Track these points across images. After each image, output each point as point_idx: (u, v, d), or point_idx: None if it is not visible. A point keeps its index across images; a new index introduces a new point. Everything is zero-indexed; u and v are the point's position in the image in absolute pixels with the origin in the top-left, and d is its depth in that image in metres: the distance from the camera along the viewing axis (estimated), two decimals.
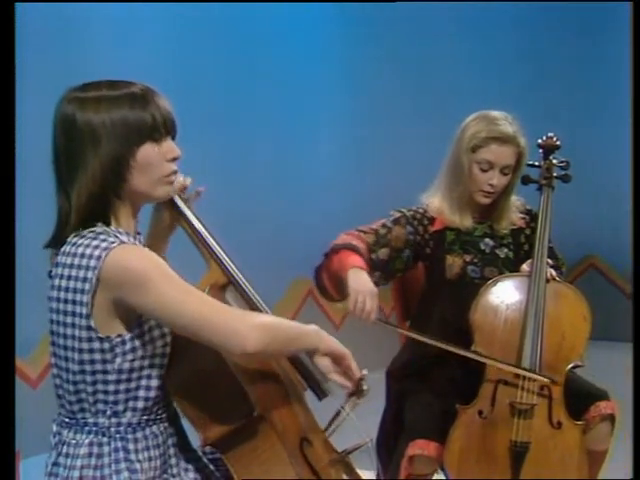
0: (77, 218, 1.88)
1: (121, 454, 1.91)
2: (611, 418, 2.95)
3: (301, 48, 5.62)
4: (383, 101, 5.94)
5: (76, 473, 1.90)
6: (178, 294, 1.84)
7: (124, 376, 1.90)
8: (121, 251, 1.84)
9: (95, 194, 1.88)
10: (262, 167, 5.39)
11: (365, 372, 2.11)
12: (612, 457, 3.05)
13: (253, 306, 2.17)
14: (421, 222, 3.07)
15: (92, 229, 1.89)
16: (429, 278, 3.11)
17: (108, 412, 1.91)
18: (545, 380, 2.84)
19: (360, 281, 2.84)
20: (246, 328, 1.88)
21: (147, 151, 1.90)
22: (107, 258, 1.82)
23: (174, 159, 1.95)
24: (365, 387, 2.11)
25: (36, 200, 3.76)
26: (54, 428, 1.97)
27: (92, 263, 1.83)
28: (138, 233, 2.01)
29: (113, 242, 1.85)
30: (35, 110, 4.01)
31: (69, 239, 1.89)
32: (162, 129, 1.92)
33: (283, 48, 5.49)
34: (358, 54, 5.92)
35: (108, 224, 1.91)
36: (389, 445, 3.05)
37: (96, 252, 1.84)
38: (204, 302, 1.89)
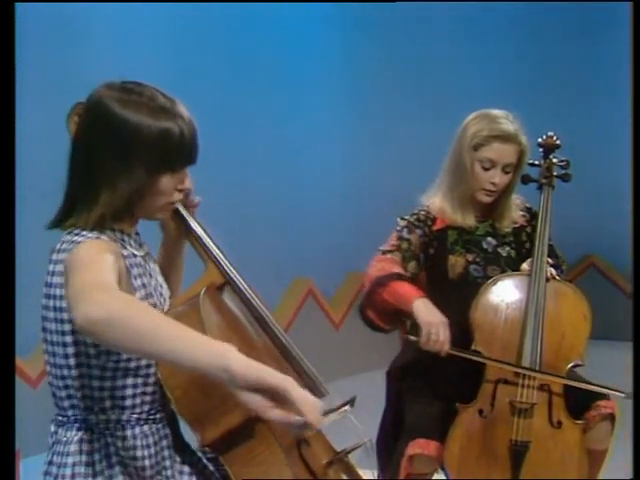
0: (92, 223, 1.88)
1: (112, 449, 1.92)
2: (611, 417, 2.95)
3: (301, 48, 5.63)
4: (383, 101, 5.95)
5: (68, 470, 1.91)
6: (81, 283, 1.70)
7: (108, 374, 1.91)
8: (86, 244, 1.83)
9: (120, 211, 1.89)
10: (262, 167, 5.40)
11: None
12: (612, 457, 3.05)
13: (250, 306, 2.16)
14: (425, 223, 3.07)
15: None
16: (431, 279, 3.10)
17: (95, 408, 1.92)
18: (618, 393, 2.85)
19: (431, 312, 2.85)
20: (85, 299, 1.62)
21: (165, 180, 1.92)
22: (74, 250, 1.82)
23: (182, 190, 1.98)
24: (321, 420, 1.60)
25: (36, 200, 3.78)
26: (52, 428, 1.98)
27: (63, 256, 1.84)
28: (137, 233, 2.02)
29: (90, 237, 1.86)
30: (35, 110, 4.03)
31: (62, 237, 1.91)
32: (185, 162, 1.94)
33: (283, 48, 5.49)
34: (358, 54, 5.92)
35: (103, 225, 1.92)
36: (389, 445, 3.05)
37: (70, 246, 1.85)
38: (87, 276, 1.70)
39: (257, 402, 1.58)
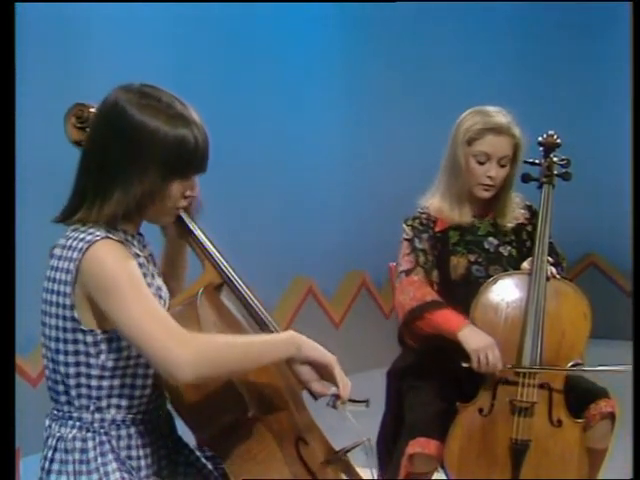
0: (103, 220, 1.89)
1: (107, 446, 1.92)
2: (611, 416, 2.94)
3: (301, 48, 5.63)
4: (383, 101, 5.95)
5: (70, 467, 1.91)
6: (137, 312, 1.80)
7: (107, 373, 1.91)
8: (101, 246, 1.84)
9: (130, 211, 1.90)
10: (262, 166, 5.40)
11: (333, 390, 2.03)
12: (612, 457, 3.05)
13: (247, 306, 2.16)
14: (428, 225, 3.06)
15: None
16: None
17: (91, 407, 1.92)
18: (621, 368, 2.82)
19: (477, 338, 2.83)
20: (178, 360, 1.78)
21: (175, 186, 1.93)
22: (88, 251, 1.83)
23: (189, 197, 1.98)
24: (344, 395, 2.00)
25: (36, 200, 3.78)
26: (46, 422, 1.98)
27: (75, 255, 1.85)
28: (140, 234, 2.03)
29: (98, 235, 1.86)
30: (35, 110, 4.03)
31: (66, 232, 1.91)
32: (197, 170, 1.95)
33: (283, 48, 5.50)
34: (358, 54, 5.93)
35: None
36: (389, 444, 3.05)
37: (80, 244, 1.85)
38: (153, 324, 1.81)
39: (307, 374, 2.00)
